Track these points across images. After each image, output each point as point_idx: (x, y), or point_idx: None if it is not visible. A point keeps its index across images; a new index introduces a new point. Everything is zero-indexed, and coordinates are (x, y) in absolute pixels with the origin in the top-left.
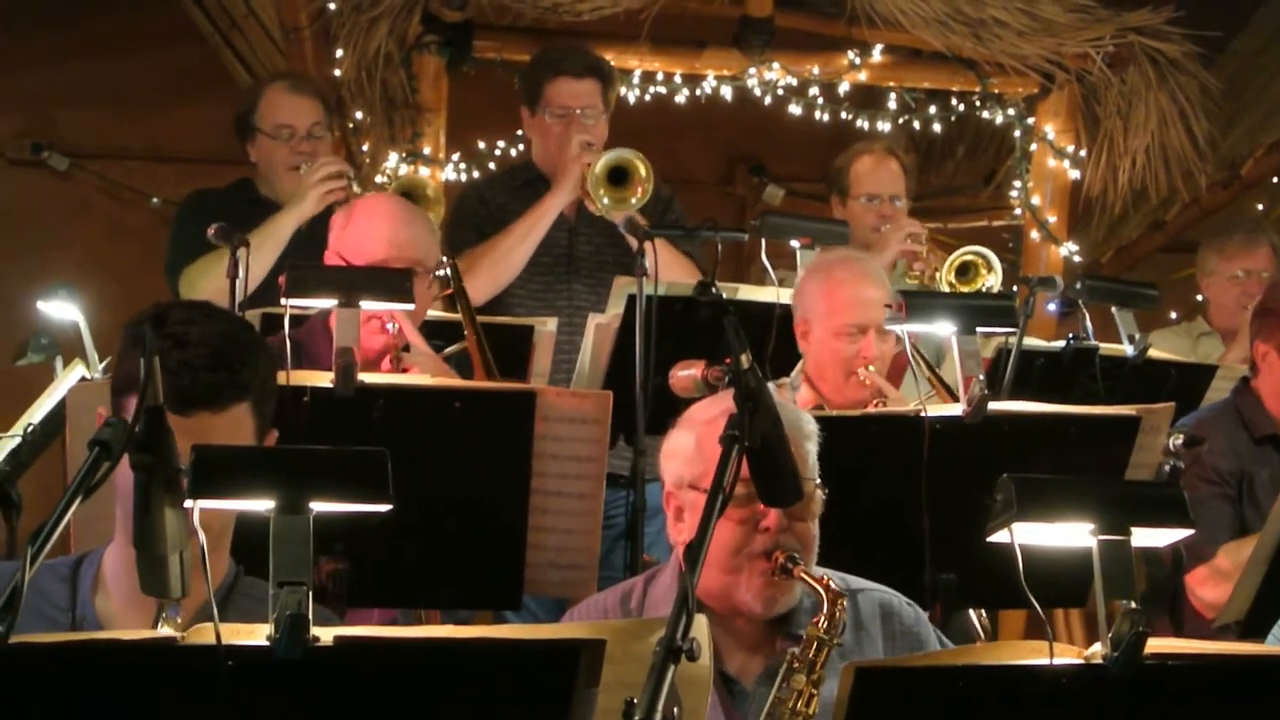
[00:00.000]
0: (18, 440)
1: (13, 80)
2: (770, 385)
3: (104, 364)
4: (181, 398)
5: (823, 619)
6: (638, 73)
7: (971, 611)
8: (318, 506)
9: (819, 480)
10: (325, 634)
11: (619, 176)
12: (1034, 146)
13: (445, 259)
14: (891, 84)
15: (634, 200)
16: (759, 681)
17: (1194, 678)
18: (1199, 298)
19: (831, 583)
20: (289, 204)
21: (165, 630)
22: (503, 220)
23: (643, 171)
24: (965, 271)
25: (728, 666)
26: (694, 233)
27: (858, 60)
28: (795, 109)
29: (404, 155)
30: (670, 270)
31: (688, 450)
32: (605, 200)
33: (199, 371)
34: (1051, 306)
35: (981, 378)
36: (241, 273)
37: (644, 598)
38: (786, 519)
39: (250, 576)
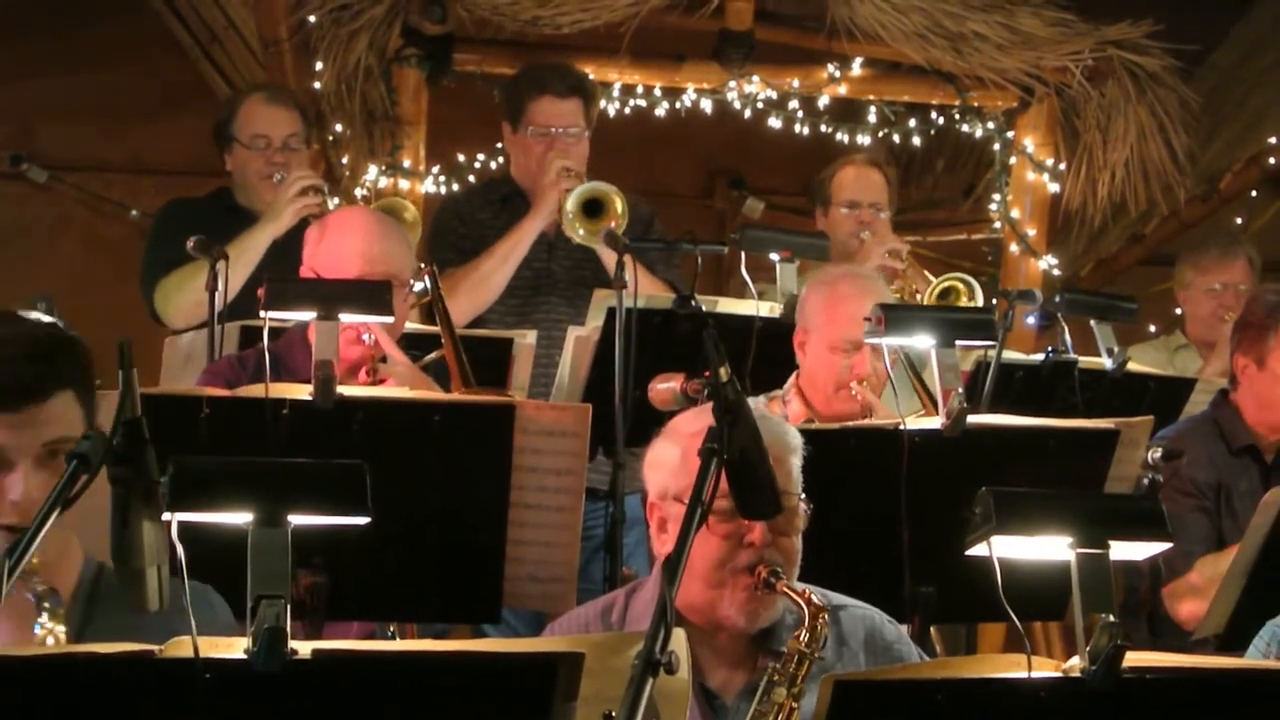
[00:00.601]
0: None
1: None
2: (762, 398)
3: None
4: (6, 395)
5: (804, 633)
6: (617, 86)
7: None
8: (296, 519)
9: (803, 495)
10: (303, 647)
11: (594, 208)
12: (1013, 160)
13: (423, 267)
14: (871, 97)
15: (603, 232)
16: (740, 696)
17: (1172, 691)
18: (1177, 311)
19: (814, 597)
20: (264, 218)
21: (48, 622)
22: (481, 237)
23: (618, 206)
24: (946, 296)
25: (709, 681)
26: (674, 246)
27: (837, 74)
28: (775, 122)
29: (383, 168)
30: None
31: (673, 462)
32: (580, 231)
33: (18, 368)
34: (1030, 320)
35: (960, 391)
36: (221, 285)
37: (625, 611)
38: (770, 534)
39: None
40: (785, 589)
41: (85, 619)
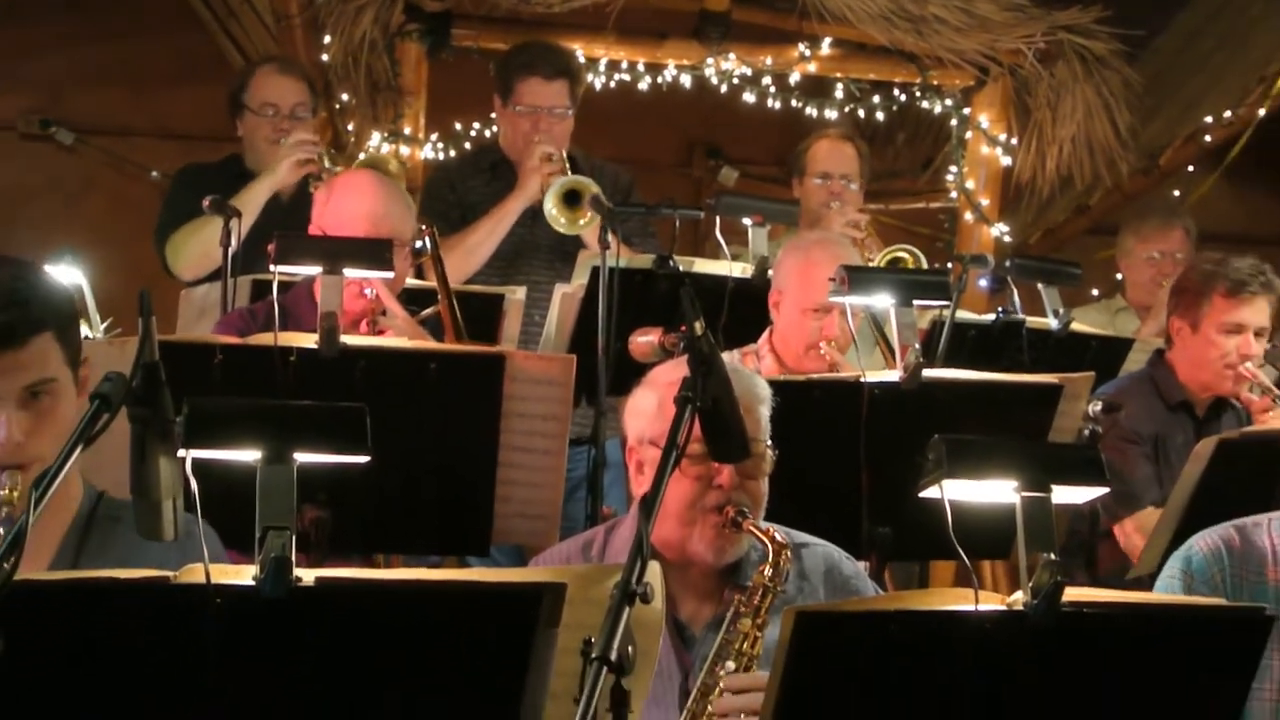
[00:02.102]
0: None
1: (25, 61)
2: (736, 353)
3: (105, 324)
4: None
5: (768, 568)
6: (603, 61)
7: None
8: (301, 457)
9: (770, 442)
10: (307, 575)
11: (573, 198)
12: (969, 135)
13: (424, 228)
14: (838, 75)
15: (583, 221)
16: (708, 627)
17: (1107, 623)
18: (1118, 276)
19: (777, 535)
20: (264, 173)
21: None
22: (471, 204)
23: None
24: (894, 265)
25: (680, 613)
26: (654, 210)
27: (808, 52)
28: (749, 97)
29: (386, 135)
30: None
31: (650, 409)
32: (562, 221)
33: None
34: (983, 282)
35: (917, 347)
36: (234, 242)
37: (605, 546)
38: (739, 477)
39: (114, 498)
40: (751, 527)
41: (81, 544)
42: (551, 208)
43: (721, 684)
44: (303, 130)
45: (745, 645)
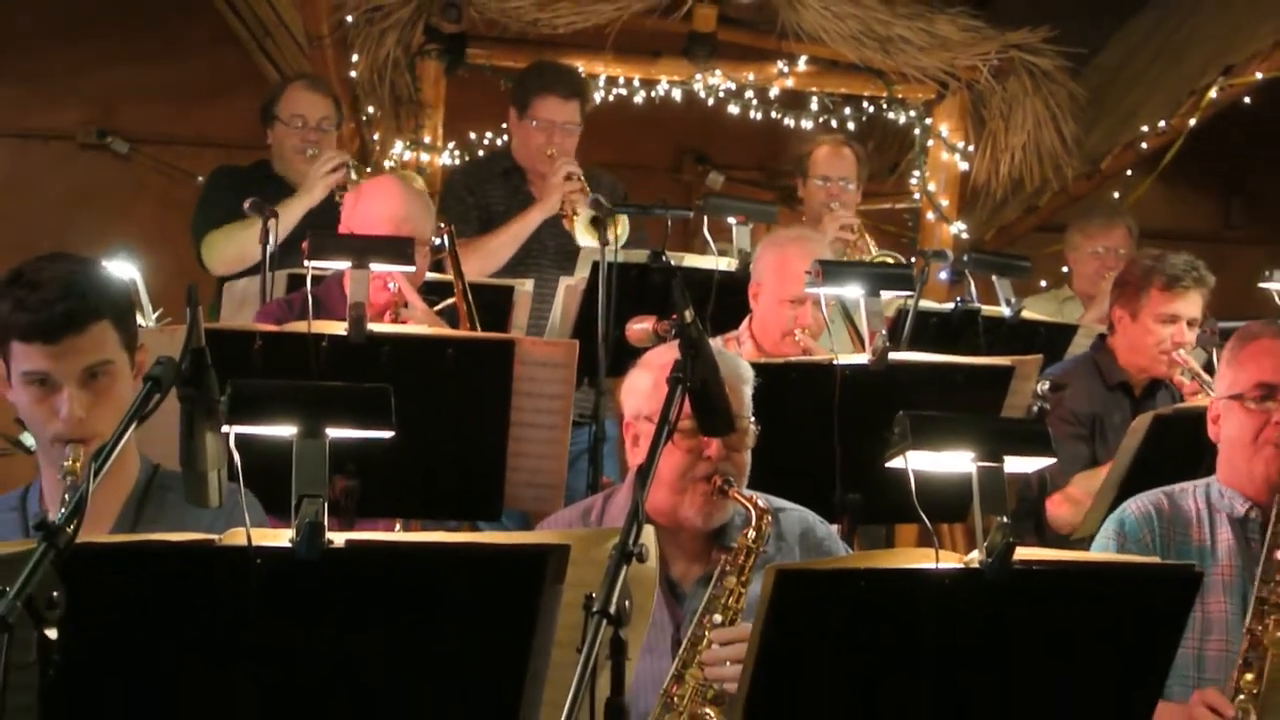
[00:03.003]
0: None
1: (83, 78)
2: (719, 339)
3: (156, 314)
4: (46, 328)
5: (751, 531)
6: (603, 77)
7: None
8: (333, 432)
9: (752, 418)
10: (338, 538)
11: (596, 221)
12: (930, 143)
13: (443, 226)
14: (814, 89)
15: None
16: (697, 584)
17: (1053, 579)
18: (1065, 269)
19: (759, 501)
20: (300, 191)
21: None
22: (485, 206)
23: (620, 225)
24: None
25: (672, 572)
26: (648, 210)
27: (786, 69)
28: (734, 109)
29: (408, 143)
30: None
31: (646, 388)
32: (589, 240)
33: (55, 304)
34: (943, 275)
35: (884, 333)
36: (271, 240)
37: (603, 512)
38: (725, 449)
39: (170, 469)
40: (736, 495)
41: (139, 511)
42: (582, 234)
43: (709, 635)
44: (331, 149)
45: (731, 600)
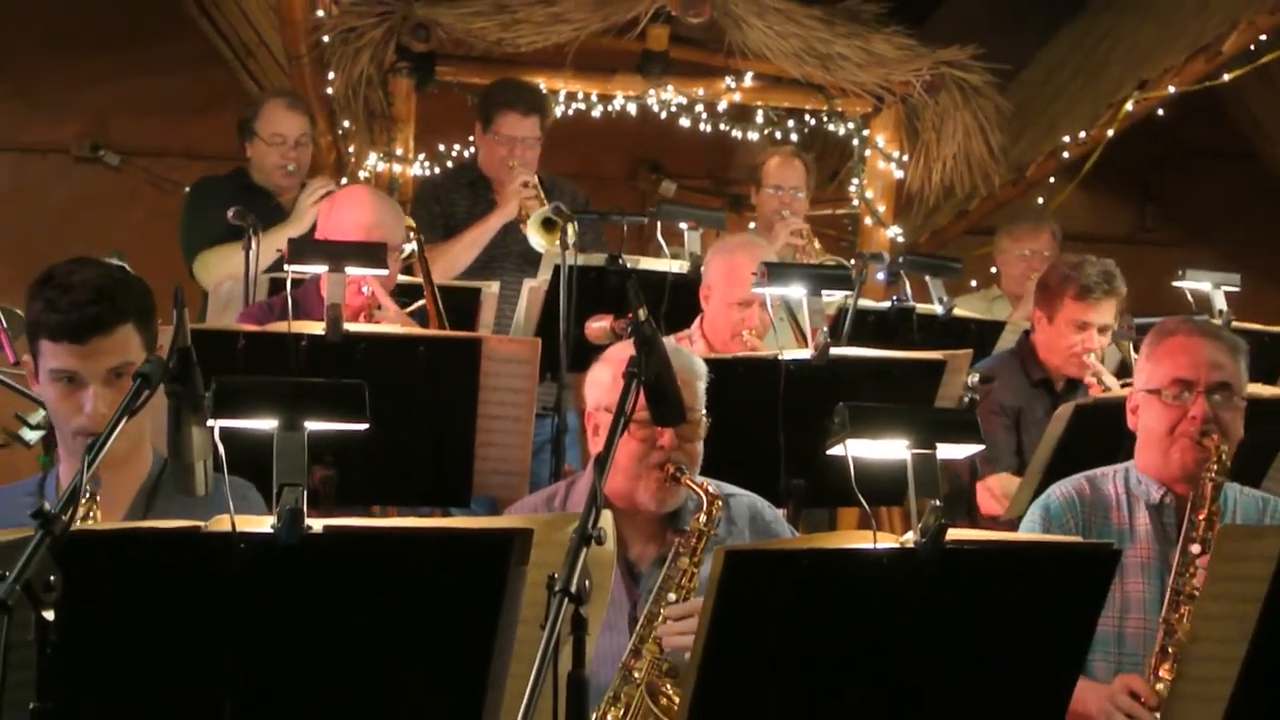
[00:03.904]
0: None
1: (77, 93)
2: (672, 337)
3: None
4: (76, 329)
5: (702, 515)
6: (562, 93)
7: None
8: (311, 425)
9: (705, 411)
10: (317, 524)
11: (549, 224)
12: (868, 153)
13: (412, 234)
14: (759, 103)
15: (555, 243)
16: (653, 564)
17: (982, 557)
18: (993, 270)
19: (710, 488)
20: (290, 219)
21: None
22: (452, 214)
23: (568, 226)
24: None
25: (630, 553)
26: (605, 216)
27: (733, 84)
28: (685, 122)
29: (381, 155)
30: None
31: (606, 381)
32: (541, 242)
33: (85, 306)
34: (880, 276)
35: (825, 330)
36: (254, 245)
37: (565, 499)
38: (678, 439)
39: None
40: (688, 482)
41: (150, 502)
42: (533, 235)
43: (664, 612)
44: (307, 162)
45: (684, 580)
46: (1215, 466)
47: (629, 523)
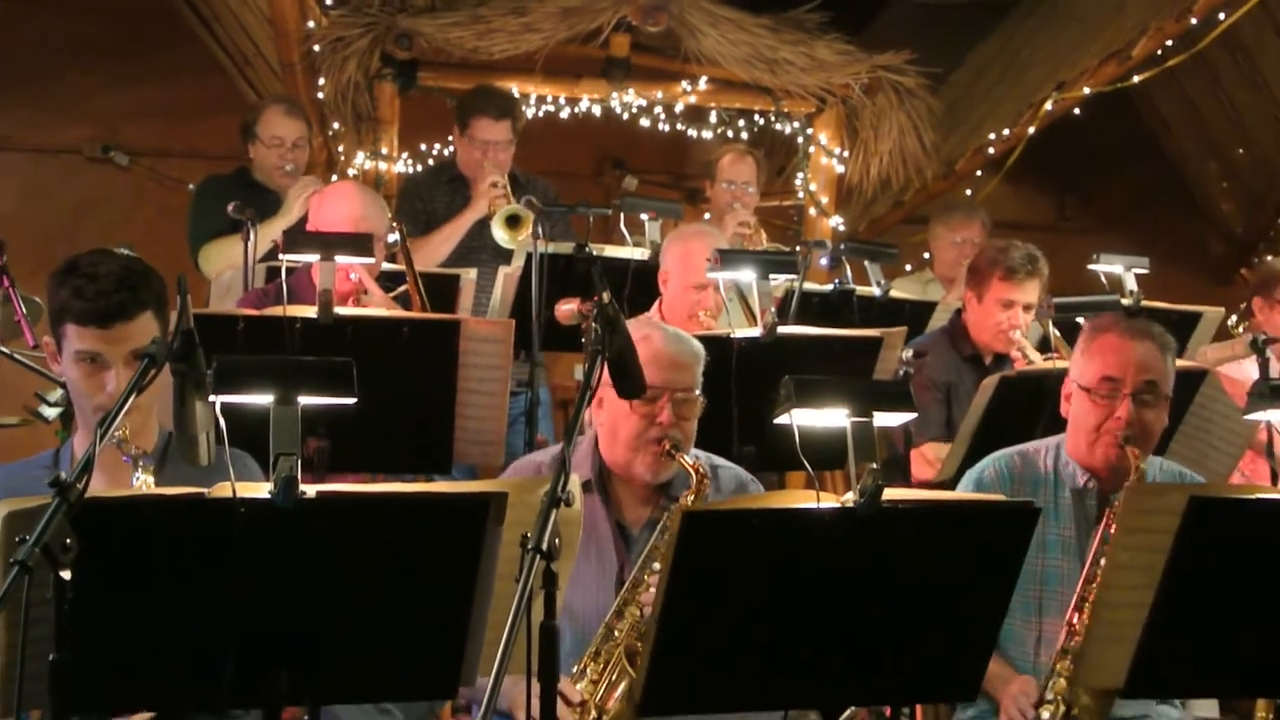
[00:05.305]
0: None
1: (89, 99)
2: (634, 320)
3: None
4: (101, 315)
5: (691, 495)
6: (533, 96)
7: None
8: (304, 399)
9: (699, 393)
10: (310, 490)
11: (513, 221)
12: (812, 149)
13: (396, 225)
14: (713, 104)
15: (520, 239)
16: (645, 528)
17: (915, 515)
18: (926, 255)
19: (700, 466)
20: (281, 212)
21: (141, 475)
22: (432, 210)
23: (529, 220)
24: None
25: (624, 518)
26: (573, 209)
27: (689, 88)
28: (645, 122)
29: (368, 154)
30: None
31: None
32: (504, 238)
33: (110, 294)
34: (823, 261)
35: (773, 310)
36: (253, 236)
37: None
38: (675, 417)
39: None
40: (681, 459)
41: (157, 473)
42: (497, 229)
43: (647, 579)
44: (303, 162)
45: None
46: (1134, 475)
47: (625, 488)
